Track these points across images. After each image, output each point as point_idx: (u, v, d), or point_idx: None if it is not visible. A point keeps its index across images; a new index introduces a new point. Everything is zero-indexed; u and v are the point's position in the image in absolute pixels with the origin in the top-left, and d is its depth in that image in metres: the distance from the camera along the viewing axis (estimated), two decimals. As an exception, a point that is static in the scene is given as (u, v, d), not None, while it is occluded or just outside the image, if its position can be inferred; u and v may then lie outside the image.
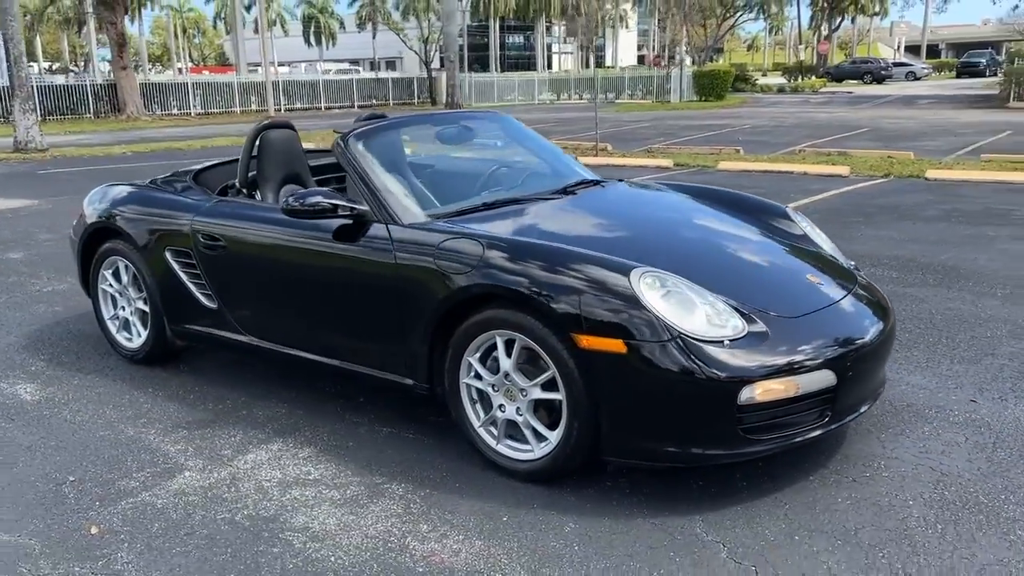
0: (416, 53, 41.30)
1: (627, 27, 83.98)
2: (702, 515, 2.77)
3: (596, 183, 4.07)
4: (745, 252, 3.40)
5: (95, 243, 4.47)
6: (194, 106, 32.58)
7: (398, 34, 39.62)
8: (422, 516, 2.85)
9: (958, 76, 54.91)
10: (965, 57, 57.12)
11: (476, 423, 3.14)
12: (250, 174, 4.20)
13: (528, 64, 62.90)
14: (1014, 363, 4.00)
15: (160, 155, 17.09)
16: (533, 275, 2.86)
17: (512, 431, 3.08)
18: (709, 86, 34.32)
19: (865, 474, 2.98)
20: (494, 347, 3.03)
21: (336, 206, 3.34)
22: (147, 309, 4.28)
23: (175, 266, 4.06)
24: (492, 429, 3.12)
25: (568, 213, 3.65)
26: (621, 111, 30.27)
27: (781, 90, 42.64)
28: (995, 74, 52.73)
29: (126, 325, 4.48)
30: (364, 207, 3.39)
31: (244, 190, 4.16)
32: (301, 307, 3.64)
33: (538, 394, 2.93)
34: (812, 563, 2.48)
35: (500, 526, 2.76)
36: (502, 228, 3.29)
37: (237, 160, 4.77)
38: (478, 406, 3.15)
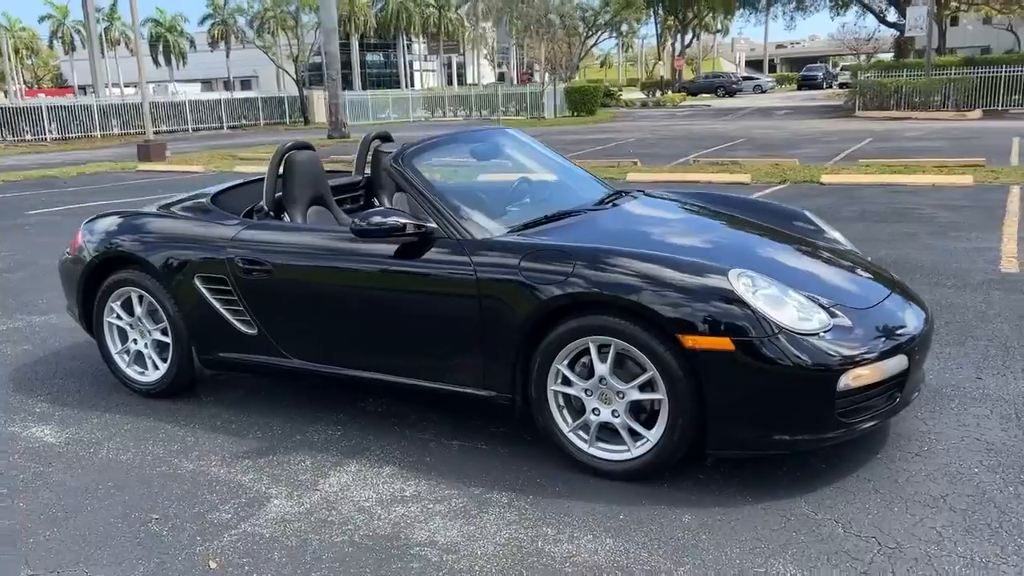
0: (287, 72, 40.42)
1: (486, 44, 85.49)
2: (802, 497, 3.00)
3: (625, 194, 4.27)
4: (797, 252, 3.67)
5: (100, 275, 4.28)
6: (50, 131, 30.69)
7: (266, 52, 38.63)
8: (540, 521, 2.94)
9: (799, 88, 58.91)
10: (804, 71, 61.34)
11: (565, 428, 3.25)
12: (276, 195, 4.15)
13: (390, 82, 62.66)
14: (994, 343, 4.48)
15: (36, 183, 16.13)
16: (630, 281, 3.01)
17: (602, 433, 3.21)
18: (581, 102, 35.37)
19: (924, 448, 3.30)
20: (583, 353, 3.16)
21: (406, 225, 3.39)
22: (168, 340, 4.14)
23: (206, 293, 3.95)
24: (581, 433, 3.24)
25: (626, 222, 3.83)
26: (502, 127, 30.74)
27: (644, 104, 44.40)
28: (831, 86, 57.00)
29: (139, 359, 4.31)
30: (432, 224, 3.45)
31: (271, 212, 4.11)
32: (361, 327, 3.64)
33: (636, 395, 3.09)
34: (921, 528, 2.74)
35: (622, 523, 2.89)
36: (576, 238, 3.42)
37: (251, 182, 4.72)
38: (565, 412, 3.27)
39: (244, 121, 37.04)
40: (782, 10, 34.40)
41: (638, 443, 3.13)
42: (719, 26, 62.66)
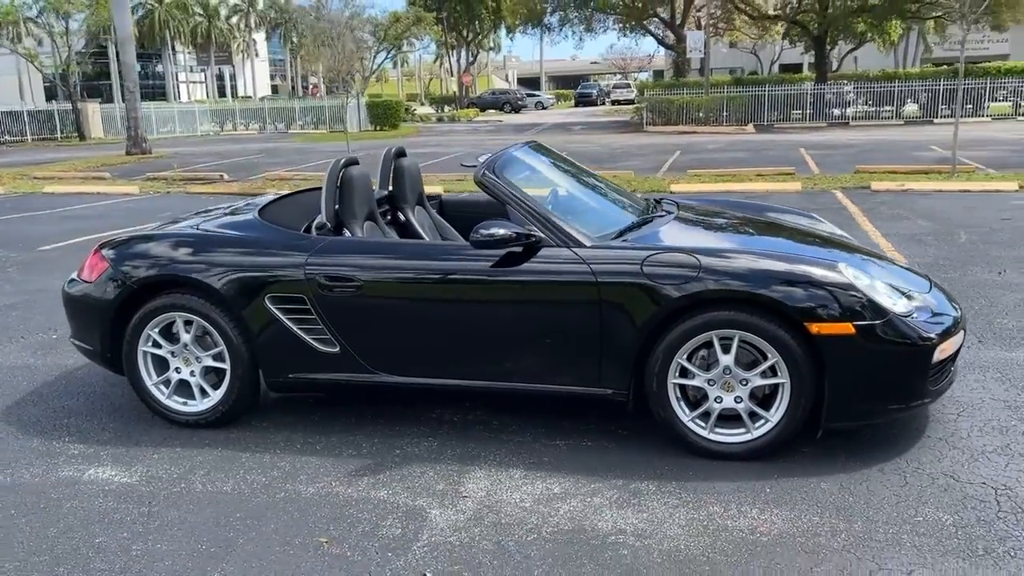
0: (54, 83, 36.95)
1: (258, 55, 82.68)
2: (900, 458, 3.49)
3: (660, 201, 4.63)
4: (844, 248, 4.18)
5: (136, 301, 4.00)
6: None
7: (31, 61, 35.06)
8: (702, 502, 3.21)
9: (576, 105, 62.33)
10: (580, 88, 65.01)
11: (685, 418, 3.55)
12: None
13: (154, 94, 58.89)
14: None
15: None
16: (758, 277, 3.37)
17: (718, 419, 3.54)
18: (383, 116, 35.38)
19: (963, 412, 3.92)
20: (700, 346, 3.48)
21: (519, 235, 3.55)
22: (224, 366, 3.96)
23: (279, 314, 3.84)
24: (700, 421, 3.55)
25: (697, 228, 4.17)
26: (307, 141, 30.10)
27: (440, 120, 45.10)
28: (603, 103, 60.84)
29: (181, 388, 4.07)
30: (540, 233, 3.62)
31: (331, 227, 4.06)
32: (465, 337, 3.72)
33: (759, 381, 3.45)
34: (1015, 474, 3.32)
35: (774, 495, 3.24)
36: (676, 241, 3.73)
37: (290, 195, 4.62)
38: (682, 403, 3.56)
39: (8, 137, 33.48)
40: (571, 31, 36.39)
41: (757, 425, 3.49)
42: (491, 43, 64.94)
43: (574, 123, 37.06)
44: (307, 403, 4.31)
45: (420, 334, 3.77)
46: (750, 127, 28.19)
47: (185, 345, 4.00)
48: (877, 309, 3.35)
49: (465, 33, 56.76)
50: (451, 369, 3.79)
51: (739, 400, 3.49)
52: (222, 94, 69.81)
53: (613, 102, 58.37)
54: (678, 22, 34.20)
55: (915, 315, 3.46)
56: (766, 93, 30.41)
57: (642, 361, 3.54)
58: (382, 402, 4.26)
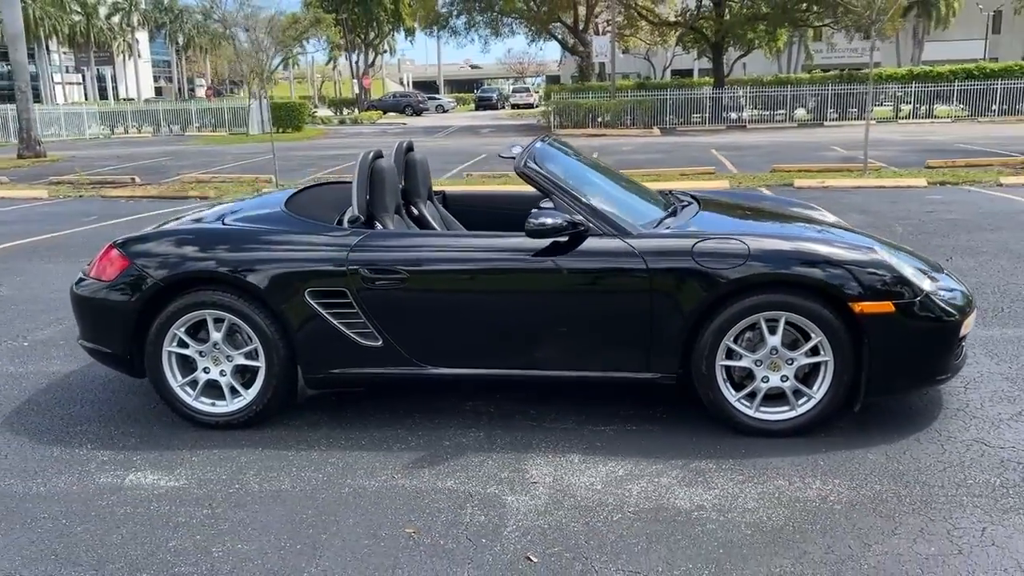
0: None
1: (140, 56, 79.47)
2: (930, 428, 3.72)
3: (672, 193, 4.77)
4: (850, 231, 4.39)
5: (160, 300, 3.85)
6: None
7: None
8: (765, 477, 3.34)
9: (477, 109, 62.62)
10: (480, 92, 65.36)
11: (732, 399, 3.69)
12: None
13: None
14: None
15: None
16: (806, 259, 3.54)
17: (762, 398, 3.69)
18: (287, 118, 34.58)
19: (969, 385, 4.20)
20: (745, 328, 3.62)
21: (570, 223, 3.61)
22: (258, 364, 3.86)
23: (318, 308, 3.77)
24: (745, 401, 3.69)
25: (726, 216, 4.31)
26: (209, 143, 29.14)
27: (343, 122, 44.44)
28: (503, 107, 61.35)
29: (209, 389, 3.94)
30: (589, 223, 3.70)
31: (363, 219, 4.02)
32: (514, 326, 3.74)
33: (804, 360, 3.62)
34: (1032, 436, 3.61)
35: (830, 466, 3.40)
36: (716, 229, 3.86)
37: (306, 188, 4.54)
38: (728, 384, 3.70)
39: None
40: (477, 34, 36.56)
41: (800, 402, 3.65)
42: (385, 46, 64.48)
43: (482, 126, 37.22)
44: (332, 400, 4.24)
45: (467, 325, 3.78)
46: (656, 130, 29.00)
47: (215, 344, 3.88)
48: (912, 288, 3.57)
49: (363, 35, 56.17)
50: (498, 359, 3.81)
51: (784, 379, 3.64)
52: (103, 96, 66.66)
53: (513, 106, 58.92)
54: (581, 27, 34.84)
55: (940, 293, 3.70)
56: (668, 97, 31.36)
57: (690, 345, 3.66)
58: (412, 397, 4.23)
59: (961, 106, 30.95)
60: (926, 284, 3.65)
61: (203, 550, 2.92)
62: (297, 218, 4.01)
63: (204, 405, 3.94)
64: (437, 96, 62.97)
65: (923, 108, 31.05)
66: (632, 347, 3.70)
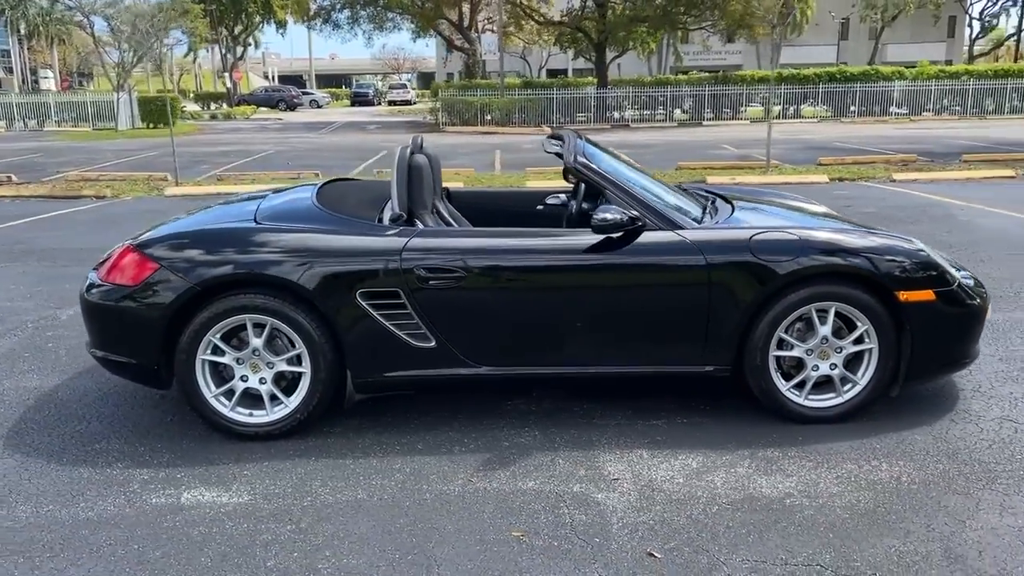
0: None
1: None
2: (960, 409, 3.95)
3: (688, 191, 4.84)
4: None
5: (195, 305, 3.60)
6: None
7: None
8: (834, 462, 3.44)
9: (352, 104, 61.53)
10: (356, 88, 64.26)
11: (783, 388, 3.80)
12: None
13: None
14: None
15: None
16: (855, 250, 3.69)
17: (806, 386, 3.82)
18: (158, 112, 32.89)
19: (973, 367, 4.48)
20: (796, 319, 3.74)
21: (630, 219, 3.63)
22: (302, 369, 3.67)
23: (369, 309, 3.63)
24: (795, 390, 3.81)
25: (762, 211, 4.39)
26: (74, 139, 27.32)
27: (215, 117, 42.67)
28: (380, 103, 60.62)
29: (245, 399, 3.72)
30: (645, 217, 3.72)
31: (405, 216, 3.89)
32: (571, 323, 3.71)
33: (852, 348, 3.77)
34: (1049, 413, 3.90)
35: (886, 449, 3.55)
36: (761, 223, 3.96)
37: (326, 184, 4.36)
38: (779, 373, 3.81)
39: None
40: (361, 29, 35.86)
41: (846, 389, 3.80)
42: (251, 39, 62.40)
43: (366, 122, 36.59)
44: (365, 405, 4.08)
45: (523, 323, 3.72)
46: (546, 128, 29.34)
47: (255, 350, 3.66)
48: (948, 277, 3.78)
49: (230, 27, 54.09)
50: (554, 357, 3.77)
51: (833, 367, 3.78)
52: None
53: (390, 102, 58.23)
54: (466, 24, 34.84)
55: (967, 281, 3.93)
56: (554, 96, 31.81)
57: (744, 337, 3.74)
58: (446, 398, 4.13)
59: (825, 107, 32.91)
60: (956, 273, 3.88)
61: (309, 568, 2.76)
62: (337, 216, 3.84)
63: (241, 415, 3.71)
64: (311, 91, 61.42)
65: (791, 109, 32.82)
66: (689, 341, 3.74)
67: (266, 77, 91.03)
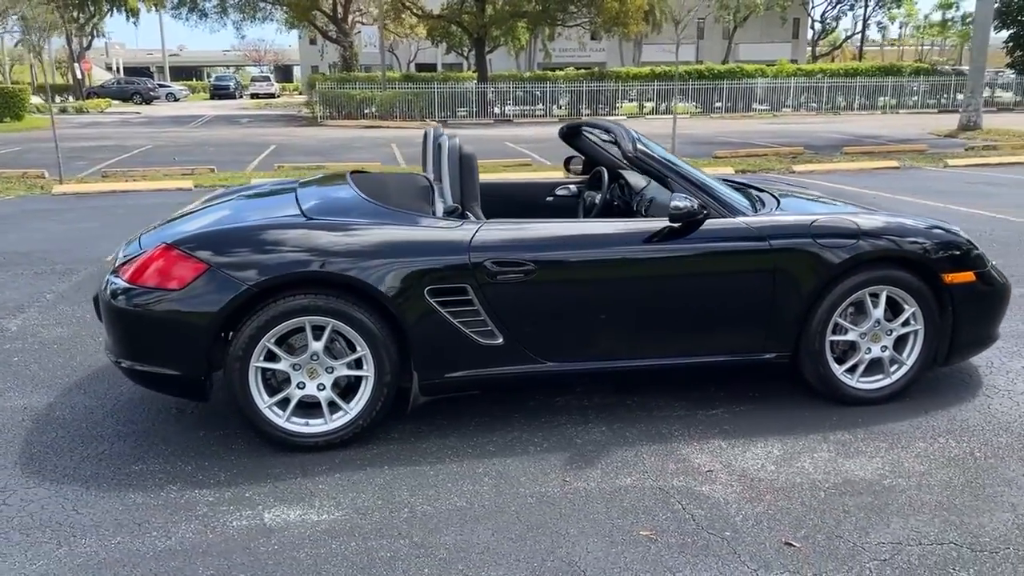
0: None
1: None
2: (989, 385, 4.15)
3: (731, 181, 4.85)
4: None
5: (249, 308, 3.30)
6: None
7: None
8: (902, 442, 3.52)
9: (212, 97, 58.90)
10: (215, 80, 61.52)
11: (838, 371, 3.87)
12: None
13: None
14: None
15: None
16: (906, 236, 3.80)
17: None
18: (5, 105, 30.37)
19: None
20: (850, 304, 3.81)
21: (701, 206, 3.61)
22: (364, 373, 3.43)
23: (437, 307, 3.43)
24: (848, 374, 3.89)
25: (803, 199, 4.42)
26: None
27: (65, 110, 39.72)
28: (241, 96, 58.34)
29: (299, 407, 3.43)
30: (708, 205, 3.69)
31: (461, 209, 3.71)
32: (640, 315, 3.64)
33: (901, 331, 3.88)
34: (1066, 385, 4.15)
35: (946, 429, 3.67)
36: (812, 211, 4.01)
37: (357, 173, 4.11)
38: (832, 357, 3.87)
39: None
40: (231, 18, 34.25)
41: (893, 369, 3.92)
42: (96, 29, 58.67)
43: (237, 116, 35.07)
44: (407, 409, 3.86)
45: (593, 316, 3.61)
46: (431, 123, 29.03)
47: (314, 355, 3.38)
48: (984, 259, 3.96)
49: (76, 15, 50.55)
50: (621, 350, 3.69)
51: (884, 349, 3.88)
52: None
53: (253, 96, 56.04)
54: (340, 16, 33.98)
55: (994, 263, 4.13)
56: (435, 91, 31.54)
57: (803, 323, 3.78)
58: (489, 398, 3.96)
59: (694, 103, 34.19)
60: (987, 256, 4.07)
61: (449, 585, 2.57)
62: (390, 209, 3.60)
63: (296, 426, 3.43)
64: (167, 84, 58.27)
65: (663, 105, 33.90)
66: (754, 329, 3.75)
67: (109, 69, 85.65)
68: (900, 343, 3.92)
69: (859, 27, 52.57)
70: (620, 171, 4.73)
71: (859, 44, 52.87)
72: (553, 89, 33.20)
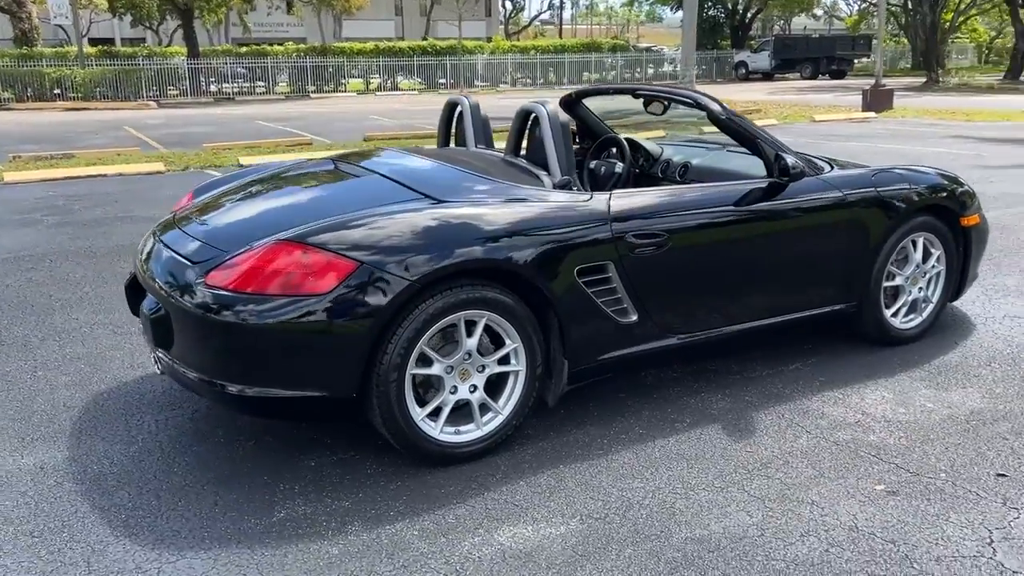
0: None
1: None
2: (983, 334, 4.66)
3: None
4: None
5: (407, 307, 2.80)
6: None
7: None
8: (953, 383, 3.76)
9: None
10: None
11: (888, 314, 4.13)
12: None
13: None
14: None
15: None
16: (939, 186, 4.17)
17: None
18: None
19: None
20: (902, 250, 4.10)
21: (805, 164, 3.74)
22: (516, 367, 3.07)
23: (584, 286, 3.15)
24: (899, 316, 4.17)
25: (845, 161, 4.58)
26: None
27: None
28: None
29: (453, 414, 3.00)
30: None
31: (571, 179, 3.43)
32: (755, 277, 3.63)
33: (931, 272, 4.23)
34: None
35: (964, 376, 4.00)
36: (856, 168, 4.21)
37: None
38: (884, 304, 4.12)
39: None
40: None
41: (924, 308, 4.26)
42: None
43: None
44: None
45: (715, 284, 3.54)
46: (152, 104, 26.29)
47: (467, 354, 2.96)
48: (979, 205, 4.43)
49: None
50: (733, 316, 3.63)
51: (920, 291, 4.22)
52: None
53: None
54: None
55: (983, 209, 4.65)
56: (143, 68, 28.57)
57: (869, 271, 3.98)
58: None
59: (418, 79, 34.33)
60: None
61: None
62: (512, 184, 3.24)
63: (448, 435, 2.99)
64: None
65: (389, 81, 33.66)
66: (835, 281, 3.89)
67: None
68: (928, 283, 4.27)
69: (548, 5, 55.78)
70: (634, 140, 4.63)
71: (558, 23, 56.23)
72: (273, 65, 31.55)
